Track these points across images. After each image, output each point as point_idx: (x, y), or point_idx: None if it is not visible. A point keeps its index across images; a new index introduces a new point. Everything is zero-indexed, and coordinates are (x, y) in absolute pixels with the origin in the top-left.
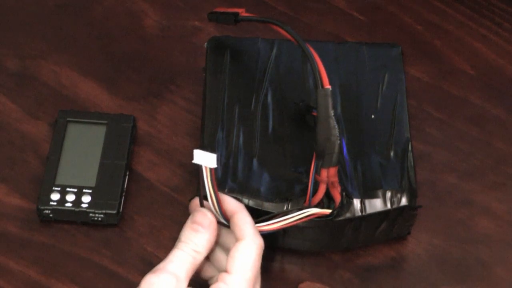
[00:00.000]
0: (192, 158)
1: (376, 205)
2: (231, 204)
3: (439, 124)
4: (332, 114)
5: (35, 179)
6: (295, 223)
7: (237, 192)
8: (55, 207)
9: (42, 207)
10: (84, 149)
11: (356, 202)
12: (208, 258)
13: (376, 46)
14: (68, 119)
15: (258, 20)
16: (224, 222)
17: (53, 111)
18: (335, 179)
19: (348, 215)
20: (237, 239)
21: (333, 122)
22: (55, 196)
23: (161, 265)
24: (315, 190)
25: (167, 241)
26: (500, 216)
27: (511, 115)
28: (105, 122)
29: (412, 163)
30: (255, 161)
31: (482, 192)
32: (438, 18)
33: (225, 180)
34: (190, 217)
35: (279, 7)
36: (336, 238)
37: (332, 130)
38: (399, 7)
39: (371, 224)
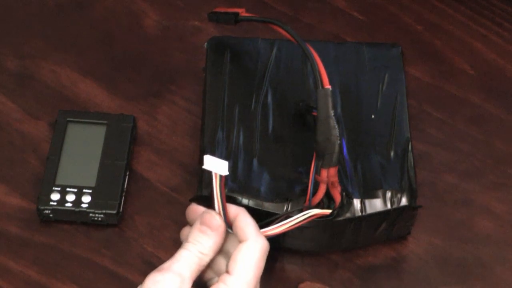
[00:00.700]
0: (192, 158)
1: (376, 205)
2: (232, 208)
3: (439, 124)
4: (332, 114)
5: (35, 179)
6: (296, 225)
7: (237, 192)
8: (55, 207)
9: (42, 207)
10: (84, 149)
11: (356, 202)
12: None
13: (376, 46)
14: (68, 119)
15: (258, 20)
16: (229, 230)
17: (53, 111)
18: (335, 179)
19: (348, 215)
20: (239, 241)
21: (333, 122)
22: (55, 196)
23: (167, 264)
24: (315, 190)
25: (167, 241)
26: (500, 216)
27: (511, 115)
28: (105, 122)
29: (412, 163)
30: (255, 161)
31: (482, 192)
32: (438, 18)
33: (225, 180)
34: (198, 219)
35: (279, 7)
36: (336, 238)
37: (332, 130)
38: (399, 7)
39: (371, 224)
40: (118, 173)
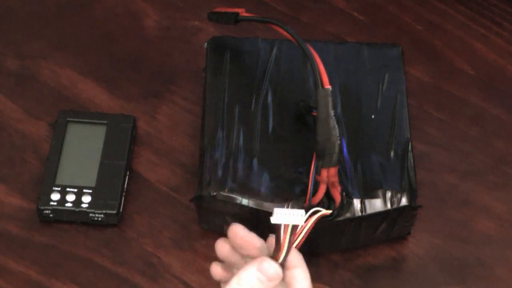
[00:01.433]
0: (192, 158)
1: (376, 205)
2: (294, 258)
3: (439, 124)
4: (332, 114)
5: (35, 179)
6: (309, 230)
7: (237, 192)
8: (55, 207)
9: (42, 207)
10: (84, 149)
11: (356, 202)
12: None
13: (376, 46)
14: (68, 119)
15: (258, 20)
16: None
17: (53, 111)
18: (335, 179)
19: (348, 215)
20: None
21: (333, 122)
22: (55, 196)
23: None
24: (315, 190)
25: (167, 241)
26: (500, 216)
27: (511, 115)
28: (105, 122)
29: (412, 163)
30: (255, 161)
31: (482, 192)
32: (438, 18)
33: (225, 180)
34: (258, 263)
35: (279, 7)
36: (336, 238)
37: (332, 130)
38: (399, 7)
39: (371, 224)
40: (118, 173)
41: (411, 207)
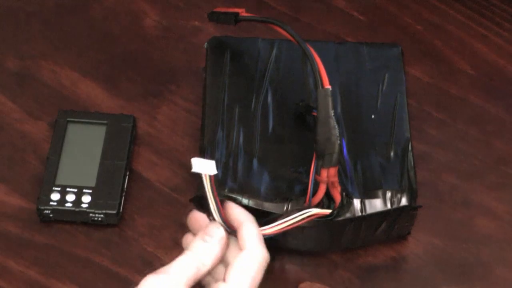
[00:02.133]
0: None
1: (376, 205)
2: (239, 214)
3: (439, 124)
4: (332, 114)
5: (35, 179)
6: (296, 225)
7: (237, 192)
8: (55, 207)
9: (42, 207)
10: (84, 149)
11: (356, 202)
12: None
13: (376, 46)
14: (68, 119)
15: (258, 20)
16: (227, 229)
17: (53, 111)
18: (335, 179)
19: (348, 215)
20: (240, 250)
21: (333, 122)
22: (55, 196)
23: (164, 268)
24: (315, 190)
25: (167, 241)
26: (500, 216)
27: (511, 115)
28: (105, 122)
29: (412, 163)
30: (255, 161)
31: (482, 192)
32: (438, 18)
33: (225, 180)
34: (203, 228)
35: (279, 7)
36: (336, 238)
37: (332, 130)
38: (399, 7)
39: (371, 224)
40: (118, 173)
41: (411, 207)
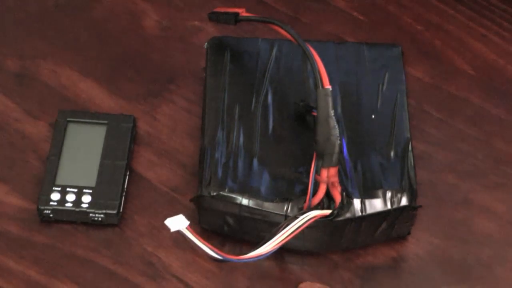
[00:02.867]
0: (192, 158)
1: (376, 205)
2: None
3: (439, 124)
4: (332, 114)
5: (35, 179)
6: (298, 231)
7: (237, 192)
8: (55, 207)
9: (42, 207)
10: (84, 149)
11: (356, 202)
12: None
13: (376, 46)
14: (68, 119)
15: (258, 20)
16: (217, 257)
17: (53, 111)
18: (335, 179)
19: (348, 215)
20: None
21: (333, 122)
22: (55, 196)
23: None
24: (315, 190)
25: (167, 241)
26: (500, 216)
27: (511, 115)
28: (105, 122)
29: (412, 163)
30: (255, 161)
31: (482, 192)
32: (438, 18)
33: (225, 180)
34: None
35: (279, 7)
36: (336, 238)
37: (332, 130)
38: (399, 7)
39: (371, 224)
40: (118, 173)
41: (411, 207)
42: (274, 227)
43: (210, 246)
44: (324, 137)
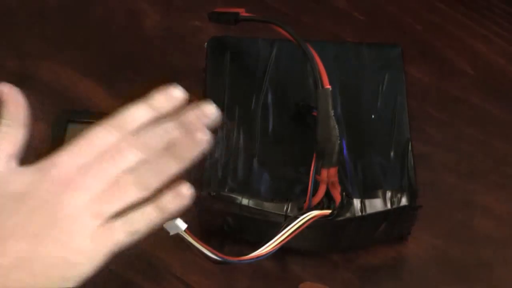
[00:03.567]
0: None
1: (376, 205)
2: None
3: (439, 124)
4: (332, 114)
5: None
6: (298, 231)
7: (237, 192)
8: None
9: None
10: None
11: (356, 202)
12: None
13: (376, 46)
14: (68, 119)
15: (258, 20)
16: (217, 258)
17: (53, 111)
18: (335, 179)
19: (348, 215)
20: None
21: (333, 122)
22: None
23: None
24: (315, 190)
25: (167, 241)
26: (500, 216)
27: (511, 115)
28: None
29: (412, 163)
30: (255, 161)
31: (482, 192)
32: (438, 18)
33: (225, 180)
34: None
35: (279, 7)
36: (336, 238)
37: (332, 130)
38: (399, 7)
39: (371, 224)
40: None
41: (411, 207)
42: (274, 227)
43: (210, 248)
44: (324, 137)
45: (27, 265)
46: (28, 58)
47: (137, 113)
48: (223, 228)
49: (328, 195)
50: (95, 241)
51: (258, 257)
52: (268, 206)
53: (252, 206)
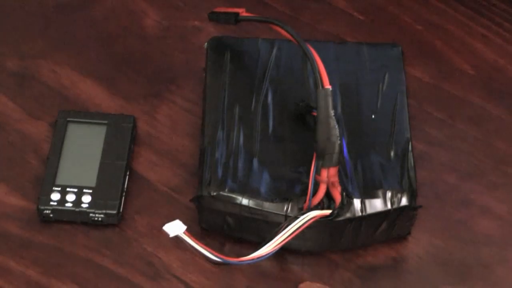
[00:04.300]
0: (192, 158)
1: (376, 205)
2: None
3: (439, 124)
4: (332, 114)
5: (35, 179)
6: (298, 231)
7: (237, 192)
8: (56, 207)
9: (43, 207)
10: (84, 149)
11: (356, 202)
12: None
13: (376, 46)
14: (68, 119)
15: (258, 20)
16: (216, 260)
17: (53, 111)
18: (335, 179)
19: (348, 215)
20: None
21: (333, 122)
22: (55, 196)
23: None
24: (315, 190)
25: (167, 241)
26: (500, 216)
27: (511, 115)
28: (105, 122)
29: (412, 163)
30: (255, 161)
31: (482, 192)
32: (438, 18)
33: (225, 180)
34: None
35: (279, 7)
36: (336, 238)
37: (332, 130)
38: (399, 7)
39: (371, 224)
40: (118, 173)
41: (411, 207)
42: (274, 227)
43: (209, 249)
44: (324, 137)
45: None
46: (28, 58)
47: None
48: (223, 228)
49: (328, 195)
50: None
51: (258, 257)
52: (268, 206)
53: (252, 206)
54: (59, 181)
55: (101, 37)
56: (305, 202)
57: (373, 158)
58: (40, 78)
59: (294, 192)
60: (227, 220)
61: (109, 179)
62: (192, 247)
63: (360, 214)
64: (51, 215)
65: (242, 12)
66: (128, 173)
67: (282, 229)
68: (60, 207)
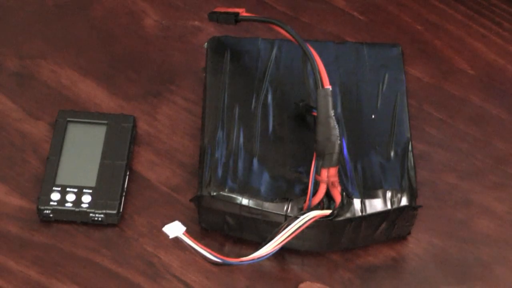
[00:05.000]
0: (192, 158)
1: (376, 205)
2: None
3: (439, 124)
4: (332, 114)
5: (35, 179)
6: (298, 231)
7: (237, 192)
8: (55, 207)
9: (43, 207)
10: (84, 149)
11: (356, 202)
12: None
13: (376, 46)
14: (68, 119)
15: (258, 20)
16: (216, 260)
17: (53, 111)
18: (335, 179)
19: (348, 215)
20: None
21: (333, 122)
22: (55, 196)
23: None
24: (315, 190)
25: (167, 241)
26: (500, 216)
27: (511, 115)
28: (105, 122)
29: (412, 163)
30: (255, 161)
31: (482, 192)
32: (438, 18)
33: (225, 180)
34: None
35: (279, 7)
36: (336, 238)
37: (332, 130)
38: (399, 7)
39: (371, 224)
40: (118, 173)
41: (411, 207)
42: (274, 227)
43: (209, 250)
44: (324, 137)
45: None
46: (28, 58)
47: None
48: (223, 228)
49: (328, 195)
50: None
51: (258, 257)
52: (268, 206)
53: (252, 206)
54: (59, 181)
55: (101, 37)
56: (305, 202)
57: (373, 158)
58: (40, 78)
59: (294, 192)
60: (227, 220)
61: (109, 179)
62: (192, 248)
63: (360, 214)
64: (51, 215)
65: (242, 12)
66: (128, 173)
67: (282, 229)
68: (60, 207)
